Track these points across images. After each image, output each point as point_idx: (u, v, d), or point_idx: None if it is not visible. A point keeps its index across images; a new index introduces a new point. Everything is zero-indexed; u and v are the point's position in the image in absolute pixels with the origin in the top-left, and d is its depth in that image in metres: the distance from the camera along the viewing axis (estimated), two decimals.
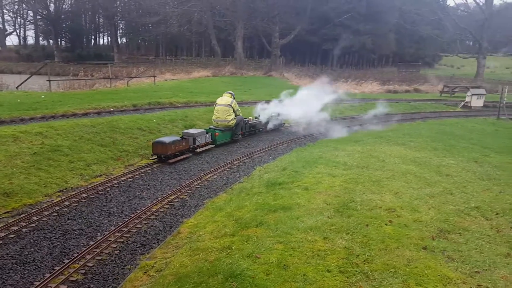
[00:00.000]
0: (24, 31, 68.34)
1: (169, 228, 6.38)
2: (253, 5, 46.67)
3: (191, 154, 10.95)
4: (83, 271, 5.02)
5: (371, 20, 52.49)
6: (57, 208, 6.87)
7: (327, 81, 18.73)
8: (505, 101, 22.64)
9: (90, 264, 5.18)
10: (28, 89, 19.95)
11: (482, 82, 40.87)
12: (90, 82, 23.49)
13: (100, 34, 73.64)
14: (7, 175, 7.52)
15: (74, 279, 4.85)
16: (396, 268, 4.10)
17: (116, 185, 8.21)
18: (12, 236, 5.84)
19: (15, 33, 66.89)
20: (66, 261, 5.18)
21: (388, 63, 62.27)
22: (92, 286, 4.78)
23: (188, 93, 21.10)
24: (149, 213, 6.87)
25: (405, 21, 52.58)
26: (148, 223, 6.53)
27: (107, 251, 5.54)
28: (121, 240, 5.88)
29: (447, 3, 64.67)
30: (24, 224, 6.19)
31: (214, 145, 12.01)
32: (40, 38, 66.90)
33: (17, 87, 19.51)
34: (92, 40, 71.36)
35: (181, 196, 7.79)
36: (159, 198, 7.56)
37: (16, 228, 6.04)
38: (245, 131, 13.73)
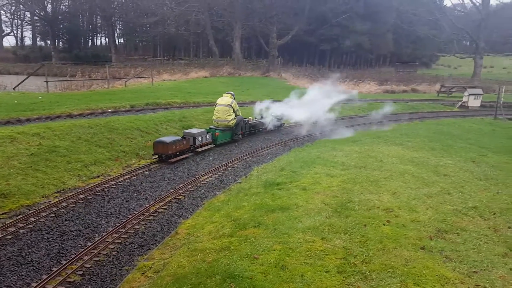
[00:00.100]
0: (22, 32, 68.30)
1: (167, 229, 6.37)
2: (250, 5, 46.68)
3: (191, 154, 10.99)
4: (81, 272, 5.01)
5: (368, 20, 52.60)
6: (54, 209, 6.85)
7: (332, 82, 18.74)
8: (502, 101, 22.73)
9: (88, 265, 5.16)
10: (25, 90, 19.89)
11: (479, 82, 41.02)
12: (87, 83, 23.43)
13: (98, 34, 73.58)
14: (4, 176, 7.49)
15: (71, 280, 4.83)
16: (394, 268, 4.11)
17: (113, 186, 8.19)
18: (9, 237, 5.81)
19: (12, 34, 66.83)
20: (64, 262, 5.16)
21: (385, 63, 62.43)
22: (89, 287, 4.76)
23: (186, 94, 21.08)
24: (147, 214, 6.85)
25: (402, 21, 52.71)
26: (146, 224, 6.52)
27: (104, 252, 5.53)
28: (119, 241, 5.86)
29: (444, 4, 64.92)
30: (21, 225, 6.17)
31: (214, 145, 12.06)
32: (38, 39, 66.75)
33: (14, 88, 19.46)
34: (90, 40, 71.30)
35: (179, 197, 7.78)
36: (157, 199, 7.55)
37: (13, 229, 6.01)
38: (245, 131, 13.80)
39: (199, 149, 11.30)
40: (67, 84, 22.60)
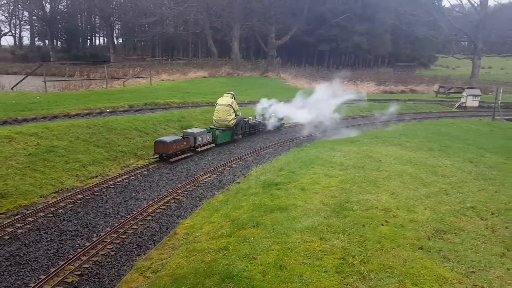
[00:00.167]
0: (20, 32, 68.08)
1: (166, 229, 6.36)
2: (249, 5, 46.68)
3: (192, 153, 11.03)
4: (79, 273, 5.00)
5: (367, 21, 52.73)
6: (52, 209, 6.83)
7: (338, 82, 18.81)
8: (500, 102, 22.79)
9: (86, 266, 5.16)
10: (23, 90, 19.82)
11: (477, 82, 41.12)
12: (86, 83, 23.39)
13: (96, 34, 73.44)
14: (2, 176, 7.47)
15: (69, 280, 4.82)
16: (392, 268, 4.11)
17: (112, 186, 8.18)
18: (7, 237, 5.79)
19: (10, 33, 66.50)
20: (62, 263, 5.15)
21: (384, 64, 62.54)
22: (87, 287, 4.75)
23: (185, 94, 21.07)
24: (145, 214, 6.84)
25: (400, 22, 52.82)
26: (144, 224, 6.51)
27: (102, 253, 5.52)
28: (117, 241, 5.85)
29: (443, 4, 65.17)
30: (19, 225, 6.15)
31: (214, 145, 12.10)
32: (36, 39, 66.58)
33: (12, 88, 19.40)
34: (88, 40, 71.14)
35: (178, 197, 7.77)
36: (156, 199, 7.54)
37: (11, 229, 5.99)
38: (245, 131, 13.86)
39: (199, 149, 11.35)
40: (66, 84, 22.56)
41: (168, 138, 10.24)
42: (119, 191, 7.97)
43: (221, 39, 52.27)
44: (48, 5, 58.14)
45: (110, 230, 6.11)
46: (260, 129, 14.81)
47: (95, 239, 5.84)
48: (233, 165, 10.26)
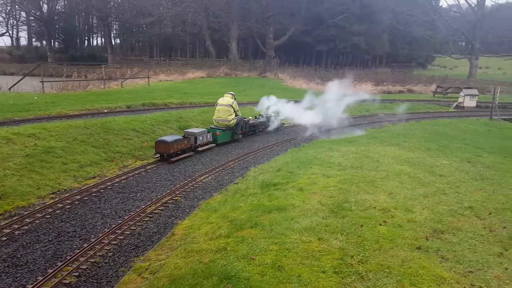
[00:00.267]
0: (17, 32, 67.75)
1: (164, 230, 6.35)
2: (247, 6, 46.72)
3: (192, 153, 11.07)
4: (77, 274, 4.98)
5: (364, 21, 52.85)
6: (50, 210, 6.81)
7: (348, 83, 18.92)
8: (497, 102, 22.86)
9: (84, 267, 5.14)
10: (21, 91, 19.78)
11: (474, 82, 41.25)
12: (83, 83, 23.34)
13: (94, 35, 73.37)
14: None
15: (67, 281, 4.81)
16: (390, 269, 4.12)
17: (110, 187, 8.16)
18: (5, 238, 5.77)
19: (7, 34, 66.20)
20: (59, 264, 5.13)
21: (381, 64, 62.70)
22: None
23: (183, 94, 21.04)
24: (143, 214, 6.83)
25: (398, 22, 52.98)
26: (142, 225, 6.49)
27: (100, 254, 5.50)
28: (115, 242, 5.84)
29: (440, 4, 65.27)
30: (16, 226, 6.13)
31: (215, 144, 12.14)
32: (33, 39, 66.44)
33: (9, 88, 19.34)
34: (86, 41, 71.02)
35: (176, 198, 7.76)
36: (153, 200, 7.52)
37: (8, 230, 5.97)
38: (245, 131, 13.92)
39: (200, 149, 11.41)
40: (63, 85, 22.51)
41: (169, 138, 10.29)
42: (117, 192, 7.95)
43: (219, 39, 52.29)
44: (45, 6, 58.14)
45: (108, 231, 6.09)
46: (260, 129, 14.86)
47: (93, 240, 5.82)
48: (231, 165, 10.25)
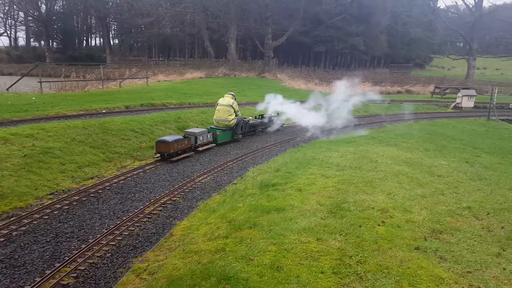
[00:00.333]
0: (15, 32, 67.63)
1: (162, 231, 6.34)
2: (246, 6, 46.71)
3: (193, 153, 11.09)
4: (75, 275, 4.97)
5: (363, 22, 52.91)
6: (48, 211, 6.79)
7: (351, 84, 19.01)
8: (495, 102, 22.92)
9: (82, 268, 5.13)
10: (19, 91, 19.73)
11: (472, 83, 41.35)
12: (82, 84, 23.30)
13: (92, 35, 73.20)
14: None
15: (65, 283, 4.79)
16: (389, 269, 4.12)
17: (108, 188, 8.14)
18: (2, 239, 5.75)
19: (5, 34, 66.03)
20: (57, 265, 5.12)
21: (380, 65, 62.79)
22: None
23: (181, 95, 21.02)
24: (141, 215, 6.82)
25: (396, 23, 53.12)
26: (140, 226, 6.48)
27: (99, 254, 5.49)
28: (113, 243, 5.83)
29: (438, 5, 65.46)
30: (14, 227, 6.11)
31: (215, 144, 12.16)
32: (31, 39, 66.17)
33: (7, 89, 19.29)
34: (84, 41, 70.90)
35: (174, 198, 7.75)
36: (152, 200, 7.51)
37: (6, 231, 5.95)
38: (245, 131, 13.95)
39: (200, 148, 11.44)
40: (61, 85, 22.46)
41: (169, 138, 10.32)
42: (115, 192, 7.94)
43: (218, 39, 52.35)
44: (43, 6, 57.96)
45: (106, 232, 6.08)
46: (260, 129, 14.88)
47: (91, 240, 5.81)
48: (230, 165, 10.25)
